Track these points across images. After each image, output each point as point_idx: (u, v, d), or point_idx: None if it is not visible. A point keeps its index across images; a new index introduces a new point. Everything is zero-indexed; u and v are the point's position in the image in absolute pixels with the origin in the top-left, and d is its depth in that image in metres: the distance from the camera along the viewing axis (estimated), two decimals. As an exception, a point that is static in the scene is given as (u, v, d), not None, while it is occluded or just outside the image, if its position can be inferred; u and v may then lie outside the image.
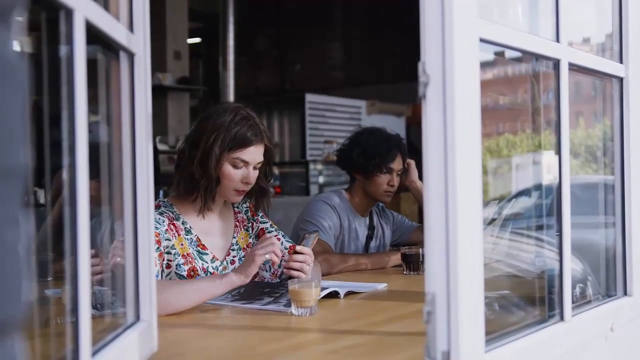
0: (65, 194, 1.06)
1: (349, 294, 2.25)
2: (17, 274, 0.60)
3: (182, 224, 2.29)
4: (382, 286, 2.43)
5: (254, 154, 2.28)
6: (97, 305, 1.38)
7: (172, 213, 2.29)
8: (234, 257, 2.39)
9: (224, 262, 2.35)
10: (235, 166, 2.26)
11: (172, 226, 2.24)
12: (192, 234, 2.29)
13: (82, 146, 1.04)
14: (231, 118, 2.24)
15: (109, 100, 1.39)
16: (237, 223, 2.45)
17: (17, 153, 0.60)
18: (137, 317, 1.41)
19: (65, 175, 1.04)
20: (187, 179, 2.27)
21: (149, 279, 1.43)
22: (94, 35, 1.15)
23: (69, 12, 1.02)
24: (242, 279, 2.03)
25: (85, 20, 1.06)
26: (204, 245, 2.31)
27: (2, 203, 0.58)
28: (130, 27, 1.39)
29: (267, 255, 2.03)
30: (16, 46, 0.62)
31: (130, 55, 1.39)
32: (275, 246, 2.07)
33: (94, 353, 1.12)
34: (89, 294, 1.06)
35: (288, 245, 2.45)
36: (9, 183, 0.58)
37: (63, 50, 1.04)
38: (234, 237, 2.42)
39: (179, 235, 2.26)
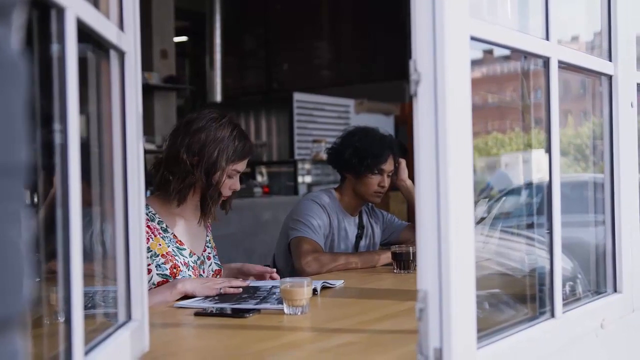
0: (52, 193, 1.05)
1: (324, 288, 2.32)
2: (19, 271, 0.60)
3: (158, 223, 2.37)
4: (339, 282, 2.47)
5: (245, 164, 2.46)
6: (87, 304, 1.38)
7: (147, 214, 2.34)
8: (209, 253, 2.53)
9: (202, 257, 2.47)
10: (229, 176, 2.40)
11: (147, 228, 2.27)
12: (169, 232, 2.38)
13: (73, 145, 1.04)
14: (230, 132, 2.38)
15: (99, 99, 1.38)
16: (208, 224, 2.58)
17: (19, 150, 0.60)
18: (129, 317, 1.41)
19: (57, 175, 1.04)
20: (188, 187, 2.36)
21: (141, 279, 1.43)
22: (84, 34, 1.14)
23: (61, 10, 1.02)
24: (189, 289, 2.18)
25: (77, 19, 1.06)
26: (181, 241, 2.41)
27: (4, 199, 0.58)
28: (121, 26, 1.38)
29: (221, 290, 2.20)
30: (16, 44, 0.61)
31: (121, 54, 1.38)
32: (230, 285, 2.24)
33: (86, 352, 1.12)
34: (81, 294, 1.06)
35: (215, 267, 2.54)
36: (11, 180, 0.59)
37: (54, 48, 1.04)
38: (207, 236, 2.55)
39: (155, 236, 2.34)
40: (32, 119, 0.94)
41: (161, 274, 2.30)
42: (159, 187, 2.40)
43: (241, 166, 2.42)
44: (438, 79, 1.19)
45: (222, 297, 2.16)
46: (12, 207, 0.59)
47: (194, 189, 2.39)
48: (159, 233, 2.35)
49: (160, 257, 2.31)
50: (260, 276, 2.52)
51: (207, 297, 2.16)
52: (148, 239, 2.28)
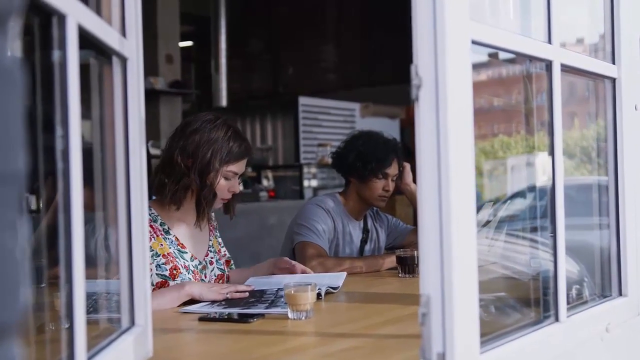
0: (56, 199, 1.06)
1: (328, 293, 2.31)
2: (16, 278, 0.60)
3: (160, 225, 2.38)
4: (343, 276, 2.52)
5: (243, 165, 2.45)
6: (90, 308, 1.38)
7: (150, 215, 2.35)
8: (211, 258, 2.52)
9: (204, 262, 2.47)
10: (226, 178, 2.40)
11: (149, 228, 2.28)
12: (171, 234, 2.39)
13: (75, 151, 1.04)
14: (224, 133, 2.37)
15: (102, 105, 1.39)
16: (211, 228, 2.58)
17: (15, 158, 0.60)
18: (132, 322, 1.41)
19: (59, 181, 1.04)
20: (183, 189, 2.36)
21: (144, 284, 1.43)
22: (86, 40, 1.14)
23: (62, 17, 1.02)
24: (196, 292, 2.17)
25: (78, 25, 1.06)
26: (182, 244, 2.41)
27: (1, 207, 0.58)
28: (123, 32, 1.39)
29: (228, 295, 2.20)
30: (13, 51, 0.62)
31: (123, 60, 1.39)
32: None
33: (89, 358, 1.12)
34: (83, 300, 1.06)
35: (218, 272, 2.54)
36: (7, 188, 0.59)
37: (55, 55, 1.04)
38: (210, 240, 2.55)
39: (157, 236, 2.35)
40: (33, 126, 0.95)
41: (160, 274, 2.30)
42: (157, 192, 2.40)
43: (237, 167, 2.40)
44: (439, 83, 1.19)
45: (229, 302, 2.16)
46: (8, 215, 0.59)
47: (192, 193, 2.39)
48: (161, 234, 2.36)
49: (161, 257, 2.32)
50: (290, 270, 2.54)
51: (214, 302, 2.16)
52: (150, 238, 2.28)
